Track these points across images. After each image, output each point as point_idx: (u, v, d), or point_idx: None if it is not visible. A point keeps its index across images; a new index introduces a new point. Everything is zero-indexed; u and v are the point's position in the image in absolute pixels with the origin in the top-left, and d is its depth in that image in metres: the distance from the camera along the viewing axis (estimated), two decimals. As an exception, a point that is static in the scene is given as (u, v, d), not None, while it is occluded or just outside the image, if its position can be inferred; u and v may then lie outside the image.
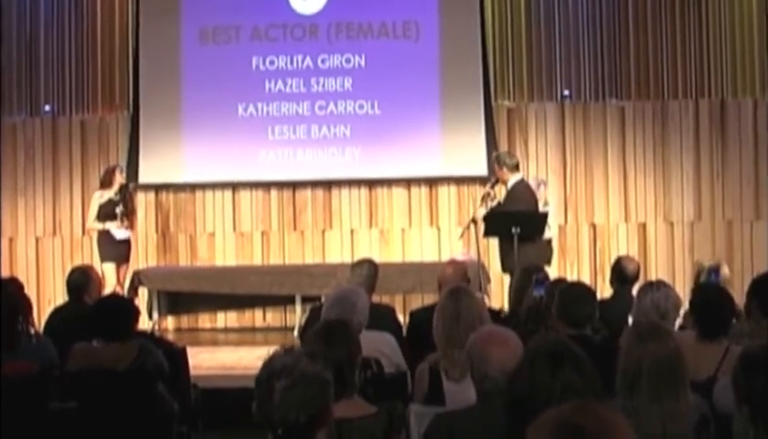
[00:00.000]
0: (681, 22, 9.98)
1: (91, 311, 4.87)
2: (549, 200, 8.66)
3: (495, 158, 8.52)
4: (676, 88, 10.00)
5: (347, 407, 3.06)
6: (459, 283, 5.25)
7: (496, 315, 5.33)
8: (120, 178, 9.10)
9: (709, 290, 4.64)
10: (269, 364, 2.49)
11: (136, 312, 4.94)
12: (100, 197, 9.07)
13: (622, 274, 6.07)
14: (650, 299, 4.43)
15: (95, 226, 9.07)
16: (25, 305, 5.04)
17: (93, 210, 9.07)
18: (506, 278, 8.06)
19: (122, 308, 4.81)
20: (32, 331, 4.90)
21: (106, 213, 8.97)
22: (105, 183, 9.13)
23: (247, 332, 9.87)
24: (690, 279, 6.30)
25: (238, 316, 10.11)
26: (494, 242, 8.46)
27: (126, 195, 9.09)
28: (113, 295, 6.62)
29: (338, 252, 10.01)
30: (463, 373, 3.55)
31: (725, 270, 5.83)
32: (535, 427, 1.72)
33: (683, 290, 7.11)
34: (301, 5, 10.19)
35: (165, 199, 10.24)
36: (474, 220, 8.39)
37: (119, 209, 8.94)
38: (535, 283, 4.99)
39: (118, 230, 8.95)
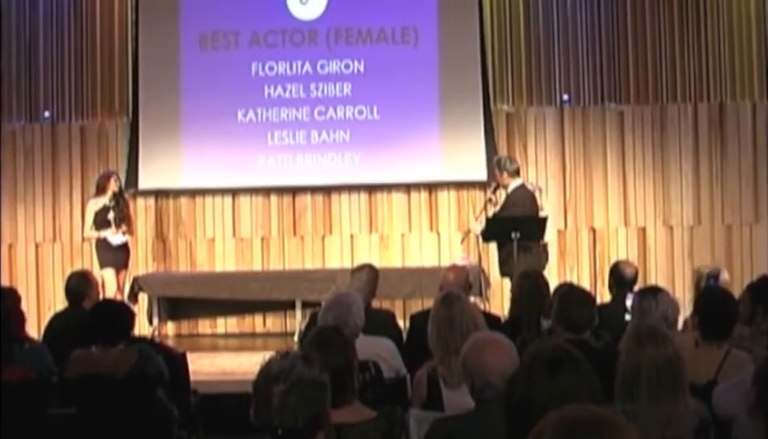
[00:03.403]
0: (680, 26, 9.99)
1: (87, 317, 4.88)
2: (546, 206, 8.65)
3: (495, 163, 8.53)
4: (674, 92, 10.01)
5: (347, 412, 3.07)
6: (460, 288, 5.26)
7: (495, 321, 5.33)
8: (114, 186, 9.07)
9: (714, 293, 4.64)
10: (265, 369, 2.49)
11: (132, 315, 4.94)
12: (94, 204, 9.06)
13: (620, 279, 6.07)
14: (660, 312, 4.39)
15: (92, 234, 9.06)
16: (19, 317, 5.04)
17: (89, 219, 9.05)
18: (506, 282, 8.08)
19: (117, 312, 4.82)
20: (26, 344, 4.90)
21: (102, 220, 8.96)
22: (99, 190, 9.12)
23: (247, 337, 9.87)
24: (690, 282, 6.29)
25: (238, 322, 10.11)
26: (494, 247, 8.46)
27: (120, 201, 9.08)
28: (108, 300, 6.61)
29: (338, 258, 10.01)
30: (460, 380, 3.55)
31: (725, 275, 5.83)
32: (535, 432, 1.73)
33: (683, 294, 7.15)
34: (300, 11, 10.20)
35: (164, 205, 10.24)
36: (469, 231, 8.50)
37: (111, 216, 8.94)
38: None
39: (114, 236, 8.94)
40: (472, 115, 9.93)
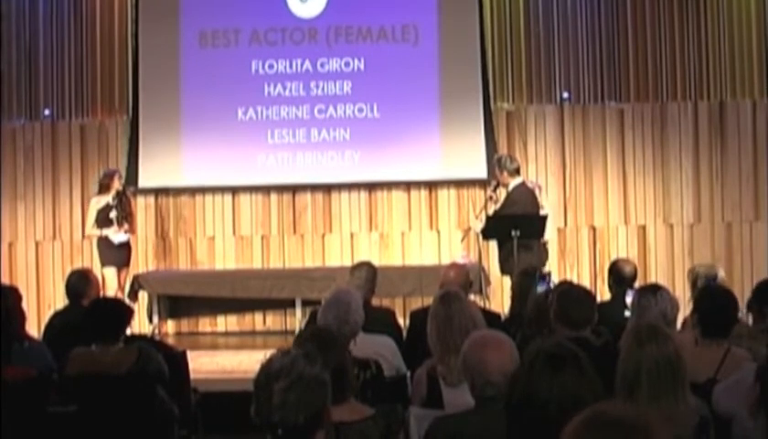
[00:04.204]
0: (680, 24, 9.99)
1: (84, 314, 4.89)
2: (545, 204, 8.66)
3: (496, 162, 8.53)
4: (675, 90, 10.00)
5: (345, 410, 3.07)
6: (460, 286, 5.26)
7: (495, 318, 5.33)
8: (118, 184, 9.08)
9: (714, 291, 4.64)
10: (267, 366, 2.49)
11: (129, 313, 4.94)
12: (97, 202, 9.06)
13: (619, 277, 6.06)
14: (658, 310, 4.40)
15: (94, 232, 9.05)
16: (19, 316, 5.04)
17: (91, 217, 9.05)
18: (506, 280, 8.08)
19: (114, 310, 4.82)
20: (25, 343, 4.90)
21: (104, 218, 8.96)
22: (103, 188, 9.11)
23: (247, 336, 9.87)
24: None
25: (238, 320, 10.11)
26: (494, 245, 8.47)
27: (123, 199, 9.07)
28: (105, 298, 6.61)
29: (338, 256, 10.01)
30: (460, 378, 3.56)
31: (721, 273, 5.83)
32: (569, 426, 1.74)
33: (682, 292, 7.13)
34: (300, 9, 10.20)
35: (164, 203, 10.24)
36: (469, 229, 8.52)
37: (113, 214, 8.93)
38: (538, 280, 5.02)
39: (116, 235, 8.94)
40: (472, 113, 9.92)
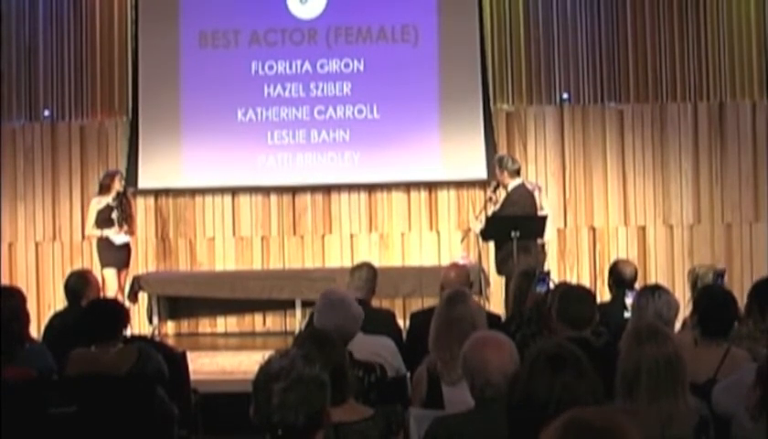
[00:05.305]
0: (679, 25, 9.99)
1: (81, 315, 4.89)
2: (545, 205, 8.66)
3: (497, 161, 8.53)
4: (674, 91, 10.00)
5: (344, 411, 3.07)
6: (461, 286, 5.25)
7: (495, 320, 5.33)
8: (118, 185, 9.08)
9: (713, 292, 4.64)
10: (265, 367, 2.49)
11: (125, 313, 4.94)
12: (98, 203, 9.05)
13: (619, 278, 6.07)
14: (653, 309, 4.41)
15: (94, 233, 9.05)
16: (23, 318, 5.03)
17: (92, 217, 9.05)
18: (502, 280, 8.09)
19: (110, 311, 4.82)
20: (26, 344, 4.89)
21: (104, 219, 8.95)
22: (104, 189, 9.10)
23: (247, 336, 9.87)
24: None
25: (238, 321, 10.12)
26: (493, 246, 8.46)
27: (123, 200, 9.07)
28: (101, 299, 6.60)
29: (338, 257, 10.01)
30: (460, 377, 3.55)
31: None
32: (546, 431, 1.75)
33: (682, 293, 7.14)
34: (300, 10, 10.20)
35: (164, 204, 10.24)
36: (469, 230, 8.53)
37: (114, 215, 8.93)
38: (537, 280, 5.03)
39: (117, 236, 8.94)
40: (472, 114, 9.92)
